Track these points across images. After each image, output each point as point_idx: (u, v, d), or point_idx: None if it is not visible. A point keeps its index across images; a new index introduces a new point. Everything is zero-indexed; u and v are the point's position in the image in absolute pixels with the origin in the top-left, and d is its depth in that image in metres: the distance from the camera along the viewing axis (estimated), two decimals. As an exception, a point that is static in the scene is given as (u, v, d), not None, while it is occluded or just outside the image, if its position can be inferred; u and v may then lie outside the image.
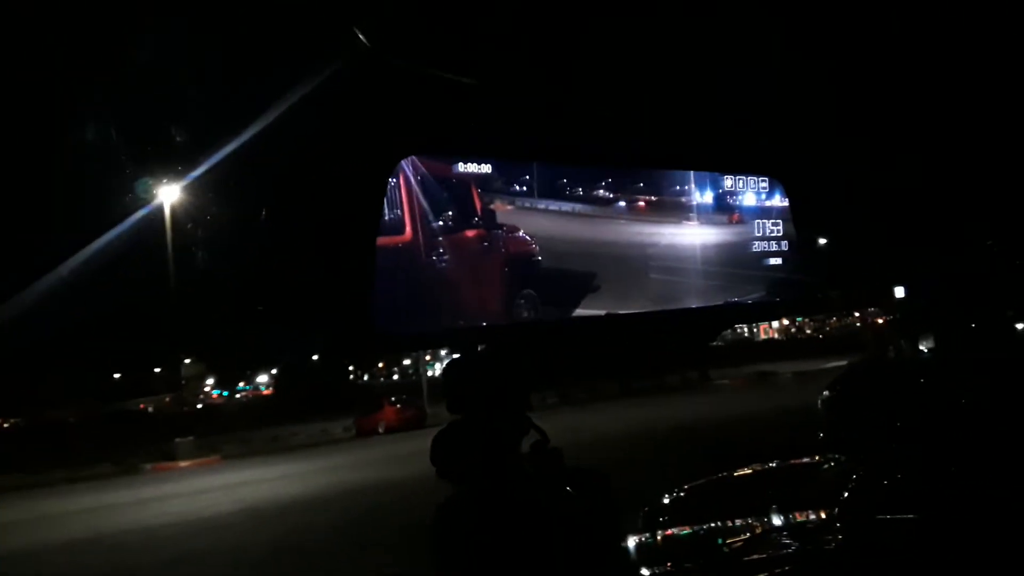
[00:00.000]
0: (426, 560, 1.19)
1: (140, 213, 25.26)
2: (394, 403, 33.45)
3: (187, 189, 25.70)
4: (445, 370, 1.23)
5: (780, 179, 1.51)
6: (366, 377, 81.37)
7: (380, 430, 31.69)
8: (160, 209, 26.39)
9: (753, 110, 1.72)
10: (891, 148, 2.20)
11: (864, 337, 38.81)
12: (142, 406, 59.47)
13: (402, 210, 1.08)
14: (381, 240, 1.04)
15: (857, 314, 51.92)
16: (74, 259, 26.48)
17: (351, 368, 76.48)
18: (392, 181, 1.08)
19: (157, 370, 61.67)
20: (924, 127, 2.03)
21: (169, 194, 26.32)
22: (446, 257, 1.16)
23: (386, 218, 1.07)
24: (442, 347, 1.20)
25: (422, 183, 1.11)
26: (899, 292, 23.44)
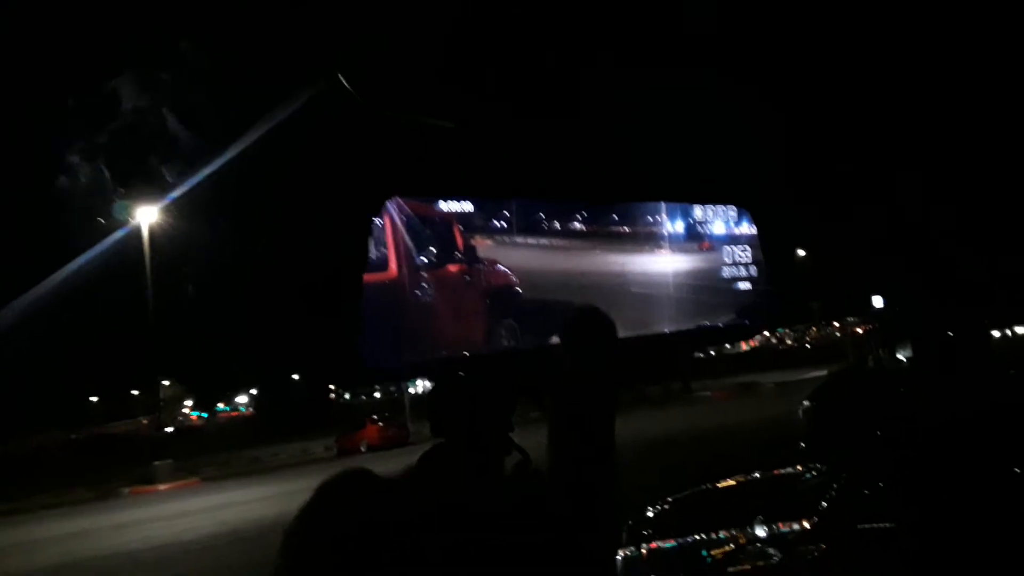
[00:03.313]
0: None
1: (118, 234, 25.05)
2: (376, 421, 33.20)
3: (168, 213, 25.56)
4: (429, 395, 1.26)
5: (748, 207, 1.57)
6: (347, 396, 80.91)
7: (362, 449, 31.43)
8: (139, 231, 26.19)
9: (720, 143, 1.77)
10: (868, 160, 2.24)
11: (844, 347, 39.17)
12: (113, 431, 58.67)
13: (387, 248, 1.12)
14: (368, 277, 1.07)
15: (837, 324, 52.37)
16: (50, 280, 26.17)
17: (332, 387, 76.06)
18: (378, 221, 1.13)
19: (135, 392, 60.95)
20: (899, 139, 2.07)
21: (148, 216, 26.12)
22: (430, 292, 1.19)
23: (372, 256, 1.10)
24: (427, 377, 1.22)
25: (406, 222, 1.15)
26: (877, 302, 23.69)
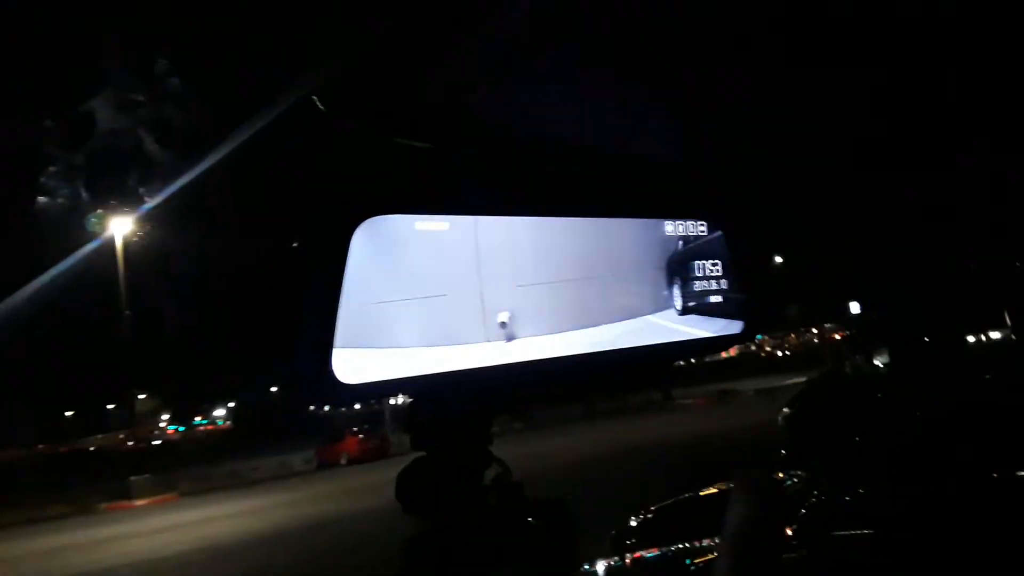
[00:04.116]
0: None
1: (91, 246, 24.75)
2: (356, 433, 32.95)
3: (142, 225, 25.32)
4: (408, 408, 1.25)
5: (718, 221, 1.59)
6: (327, 408, 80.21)
7: (342, 461, 31.19)
8: (112, 242, 25.91)
9: (686, 156, 1.78)
10: (839, 166, 2.26)
11: (822, 352, 39.49)
12: (89, 446, 57.81)
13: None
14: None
15: (815, 330, 52.81)
16: (22, 292, 25.80)
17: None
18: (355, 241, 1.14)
19: (110, 407, 60.19)
20: (870, 141, 2.09)
21: (121, 228, 25.86)
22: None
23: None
24: (407, 394, 1.22)
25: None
26: (854, 307, 23.93)
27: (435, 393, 1.18)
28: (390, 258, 1.13)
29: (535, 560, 1.24)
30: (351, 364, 1.06)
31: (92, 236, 24.23)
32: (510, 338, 1.23)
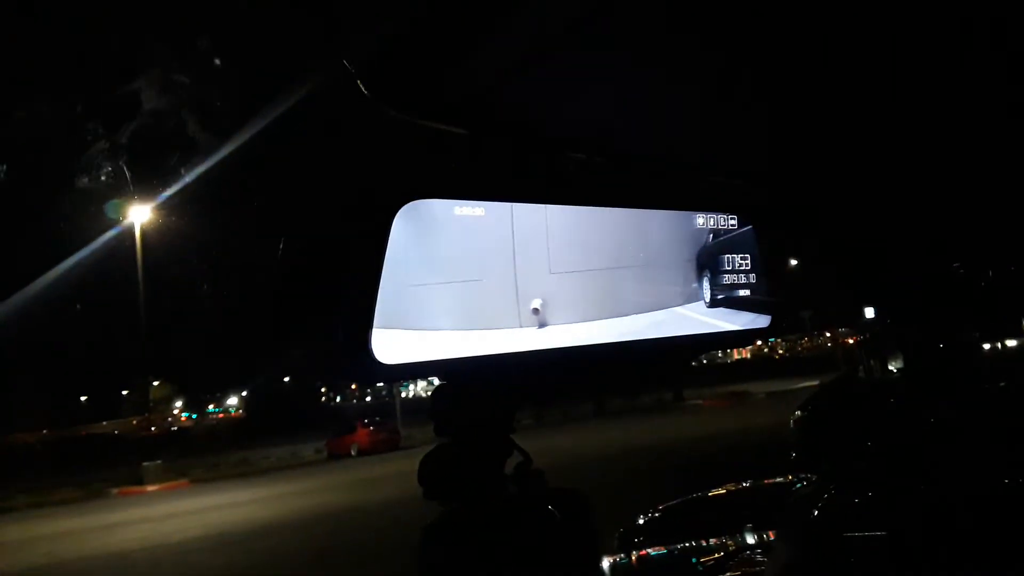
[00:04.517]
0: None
1: (111, 233, 24.93)
2: (367, 425, 33.10)
3: (161, 212, 25.45)
4: (433, 394, 1.26)
5: (749, 215, 1.58)
6: (338, 399, 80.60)
7: (353, 452, 31.33)
8: (131, 230, 26.09)
9: (719, 151, 1.78)
10: (856, 170, 2.25)
11: (835, 357, 39.27)
12: (102, 430, 58.25)
13: None
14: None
15: (828, 334, 52.53)
16: (41, 280, 26.04)
17: (323, 390, 75.79)
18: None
19: (125, 392, 60.70)
20: (888, 150, 2.08)
21: (140, 215, 26.03)
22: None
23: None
24: (440, 376, 1.23)
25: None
26: (869, 312, 23.77)
27: (467, 376, 1.19)
28: (429, 242, 1.14)
29: (556, 549, 1.24)
30: (388, 344, 1.08)
31: (113, 222, 24.38)
32: (542, 325, 1.24)
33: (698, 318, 1.48)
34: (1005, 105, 1.88)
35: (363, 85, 1.23)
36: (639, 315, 1.37)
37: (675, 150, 1.70)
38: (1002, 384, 4.50)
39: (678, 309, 1.45)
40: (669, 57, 1.30)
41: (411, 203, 1.14)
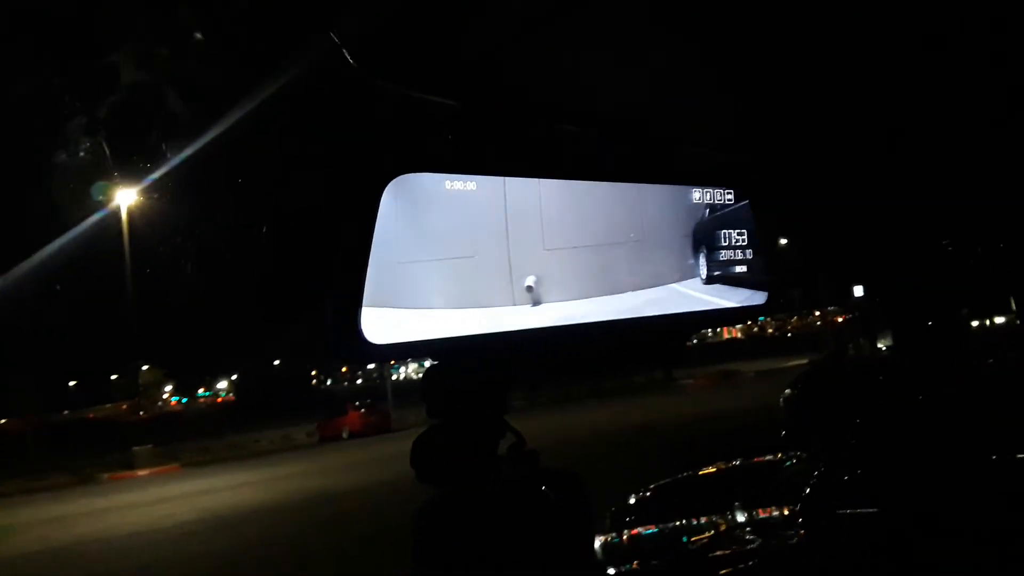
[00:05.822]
0: (410, 562, 1.19)
1: (97, 216, 24.68)
2: (358, 407, 33.12)
3: (148, 195, 25.21)
4: (425, 375, 1.24)
5: (745, 188, 1.55)
6: (329, 382, 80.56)
7: (344, 435, 31.38)
8: (118, 212, 25.86)
9: (715, 123, 1.75)
10: (849, 150, 2.23)
11: (825, 336, 39.52)
12: (91, 415, 58.06)
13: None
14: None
15: (818, 313, 52.83)
16: (28, 263, 25.81)
17: (313, 373, 75.72)
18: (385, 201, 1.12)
19: (114, 377, 60.48)
20: (881, 129, 2.06)
21: (127, 198, 25.79)
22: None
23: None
24: (432, 356, 1.21)
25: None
26: (858, 291, 23.89)
27: (460, 356, 1.17)
28: (419, 217, 1.12)
29: (550, 530, 1.23)
30: (379, 324, 1.05)
31: (99, 204, 24.12)
32: (536, 302, 1.21)
33: (694, 295, 1.46)
34: (996, 85, 1.86)
35: (350, 55, 1.20)
36: (635, 292, 1.35)
37: (671, 122, 1.68)
38: (990, 360, 4.54)
39: (674, 286, 1.43)
40: (665, 26, 1.28)
41: (400, 177, 1.11)
